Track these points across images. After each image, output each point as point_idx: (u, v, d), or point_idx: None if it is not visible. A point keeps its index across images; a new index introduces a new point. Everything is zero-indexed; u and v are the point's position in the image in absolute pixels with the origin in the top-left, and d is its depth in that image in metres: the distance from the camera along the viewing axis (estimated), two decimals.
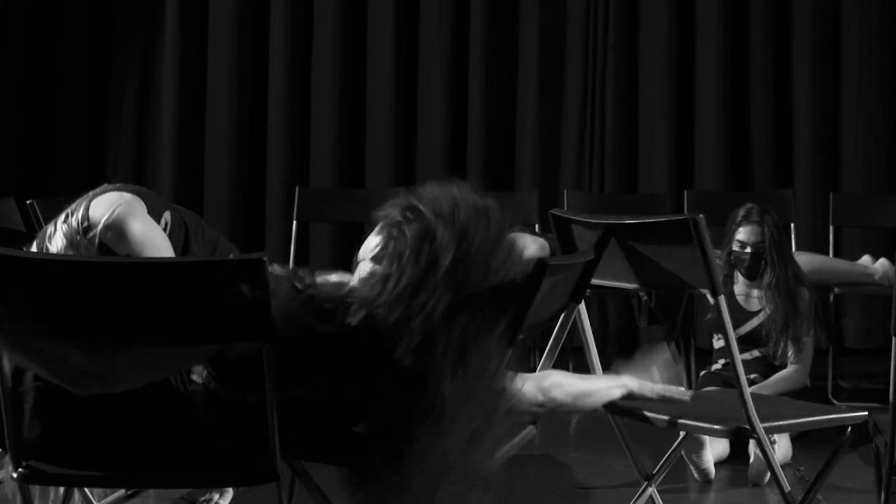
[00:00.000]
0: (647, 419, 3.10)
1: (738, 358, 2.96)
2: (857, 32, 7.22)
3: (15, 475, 2.52)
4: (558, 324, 3.17)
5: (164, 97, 7.67)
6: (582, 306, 3.20)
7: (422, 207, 2.55)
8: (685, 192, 6.69)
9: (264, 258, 2.34)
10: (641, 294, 5.65)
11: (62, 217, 3.08)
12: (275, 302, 2.37)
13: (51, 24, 7.76)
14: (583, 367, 3.40)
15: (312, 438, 2.64)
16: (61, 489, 3.27)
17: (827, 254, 6.37)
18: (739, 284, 5.18)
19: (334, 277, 2.66)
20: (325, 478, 2.70)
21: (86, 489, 3.33)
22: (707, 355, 5.42)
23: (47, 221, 3.17)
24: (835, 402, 5.75)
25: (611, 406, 3.10)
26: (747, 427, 2.96)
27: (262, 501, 3.88)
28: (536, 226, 6.35)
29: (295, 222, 6.66)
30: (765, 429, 2.97)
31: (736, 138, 7.32)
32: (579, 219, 3.12)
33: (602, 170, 7.41)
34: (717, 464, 4.63)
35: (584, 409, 2.94)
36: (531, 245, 3.78)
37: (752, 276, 5.12)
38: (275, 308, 2.37)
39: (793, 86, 7.30)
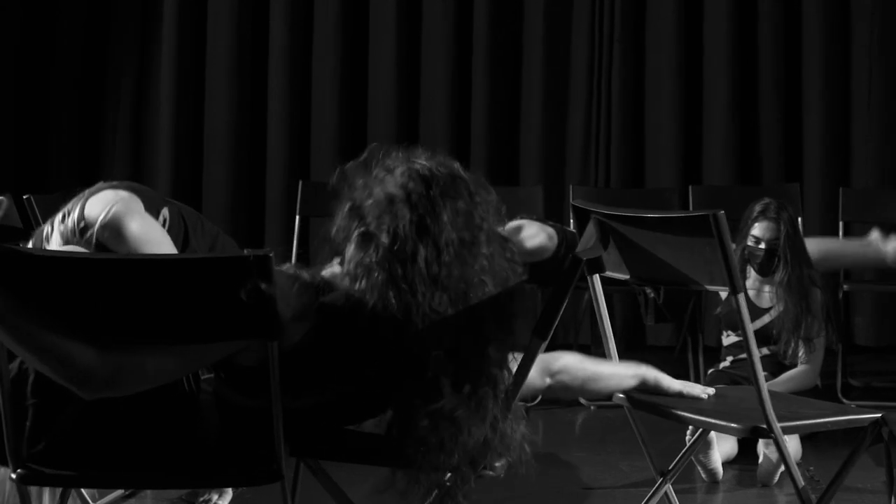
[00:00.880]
0: (663, 414, 3.02)
1: (757, 356, 2.90)
2: (868, 25, 7.16)
3: (14, 476, 2.49)
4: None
5: (161, 90, 7.60)
6: (598, 285, 3.11)
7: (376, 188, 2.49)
8: (690, 186, 6.63)
9: (271, 254, 2.32)
10: (648, 291, 5.59)
11: (58, 217, 3.06)
12: (281, 300, 2.35)
13: (47, 19, 7.70)
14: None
15: (323, 437, 2.61)
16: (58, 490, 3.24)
17: None
18: (751, 280, 5.14)
19: (336, 268, 2.61)
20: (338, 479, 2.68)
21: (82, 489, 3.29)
22: (715, 352, 5.38)
23: (45, 217, 3.14)
24: (844, 400, 5.71)
25: (630, 398, 3.03)
26: (764, 426, 2.91)
27: (261, 502, 3.84)
28: None
29: (298, 217, 6.59)
30: (782, 429, 2.91)
31: (744, 132, 7.26)
32: (599, 211, 3.06)
33: (608, 164, 7.35)
34: (725, 464, 4.60)
35: (591, 394, 2.90)
36: (539, 234, 3.72)
37: (765, 272, 5.08)
38: (281, 306, 2.35)
39: (802, 78, 7.24)
